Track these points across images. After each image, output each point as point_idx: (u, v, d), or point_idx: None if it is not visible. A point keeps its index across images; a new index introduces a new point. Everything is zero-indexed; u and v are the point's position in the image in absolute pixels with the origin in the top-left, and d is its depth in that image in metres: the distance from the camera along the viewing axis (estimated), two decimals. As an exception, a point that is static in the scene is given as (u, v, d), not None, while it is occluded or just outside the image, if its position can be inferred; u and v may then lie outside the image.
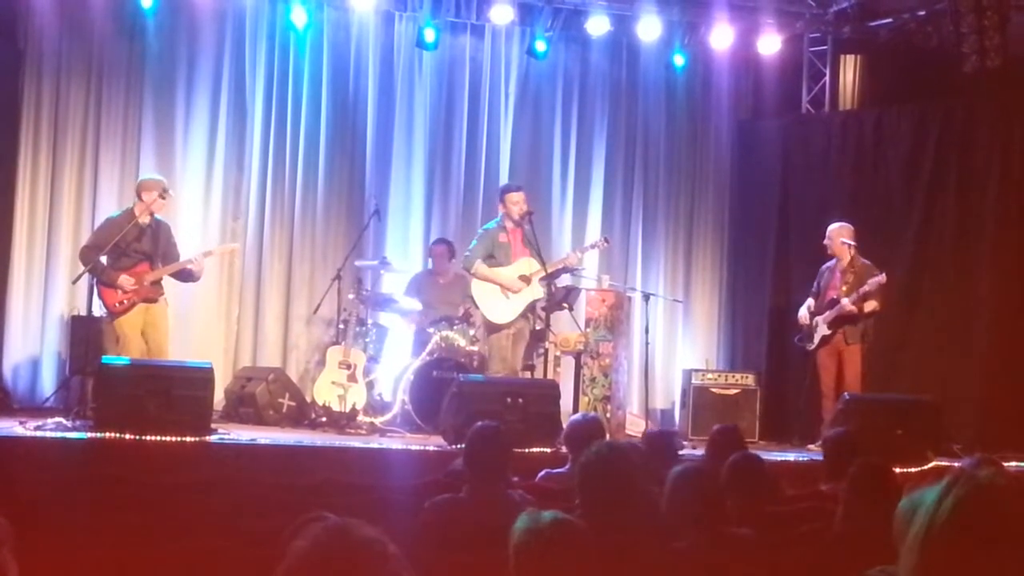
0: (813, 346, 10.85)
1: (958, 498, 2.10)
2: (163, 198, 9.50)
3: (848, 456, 5.61)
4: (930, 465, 8.98)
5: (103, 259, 9.18)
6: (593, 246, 10.96)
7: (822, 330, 10.74)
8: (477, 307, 10.21)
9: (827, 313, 10.69)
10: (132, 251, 9.33)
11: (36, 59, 11.16)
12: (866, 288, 10.46)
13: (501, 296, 9.96)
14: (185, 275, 9.67)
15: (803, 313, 10.94)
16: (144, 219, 9.40)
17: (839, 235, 10.77)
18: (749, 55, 12.79)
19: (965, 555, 2.07)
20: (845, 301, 10.51)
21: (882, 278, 10.43)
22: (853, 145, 12.56)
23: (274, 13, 11.84)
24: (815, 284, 11.04)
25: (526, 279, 9.93)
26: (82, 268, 9.28)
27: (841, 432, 6.87)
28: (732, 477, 5.22)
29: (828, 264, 10.97)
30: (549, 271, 9.93)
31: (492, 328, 10.04)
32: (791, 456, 9.77)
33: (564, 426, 8.20)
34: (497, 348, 9.97)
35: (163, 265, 9.49)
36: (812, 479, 7.13)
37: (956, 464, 8.94)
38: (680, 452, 6.86)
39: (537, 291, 9.99)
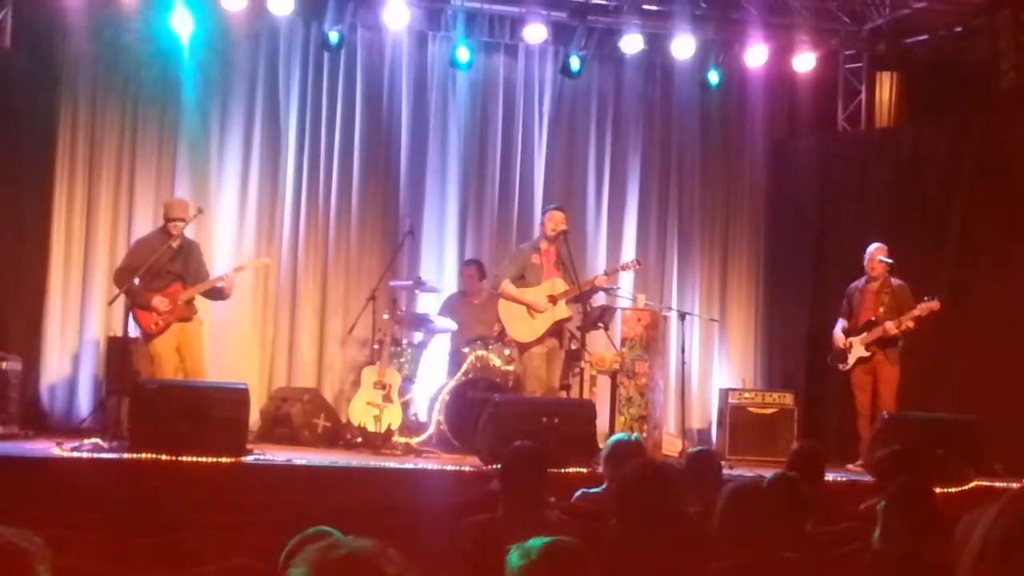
0: (848, 367, 10.77)
1: (1016, 516, 2.05)
2: (187, 218, 9.50)
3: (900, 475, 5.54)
4: (971, 485, 8.88)
5: (136, 281, 9.21)
6: (624, 268, 10.90)
7: (858, 351, 10.65)
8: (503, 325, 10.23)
9: (865, 334, 10.61)
10: (165, 272, 9.37)
11: (72, 82, 11.24)
12: (916, 312, 10.36)
13: (526, 316, 9.94)
14: (215, 293, 9.72)
15: (839, 335, 10.85)
16: (176, 240, 9.43)
17: (877, 253, 10.70)
18: (784, 73, 12.73)
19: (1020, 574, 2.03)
20: (889, 324, 10.42)
21: (935, 304, 10.33)
22: (890, 163, 12.48)
23: (308, 34, 11.90)
24: (845, 304, 10.97)
25: (552, 299, 9.91)
26: (117, 290, 9.32)
27: (894, 451, 6.79)
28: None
29: (856, 284, 10.91)
30: (577, 292, 9.90)
31: (523, 347, 10.03)
32: (829, 476, 9.66)
33: (600, 446, 8.17)
34: (531, 367, 9.95)
35: (194, 284, 9.52)
36: (852, 499, 7.06)
37: (998, 484, 8.89)
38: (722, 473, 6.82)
39: (562, 312, 9.97)
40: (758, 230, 13.26)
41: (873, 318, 10.61)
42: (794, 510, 5.16)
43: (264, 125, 11.78)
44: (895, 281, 10.71)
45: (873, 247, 10.78)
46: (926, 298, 10.42)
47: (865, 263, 10.79)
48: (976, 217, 11.86)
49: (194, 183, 11.44)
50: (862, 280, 10.87)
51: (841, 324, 10.92)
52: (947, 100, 12.52)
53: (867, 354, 10.61)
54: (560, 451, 8.32)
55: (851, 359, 10.72)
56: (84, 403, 10.99)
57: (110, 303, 9.79)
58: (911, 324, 10.42)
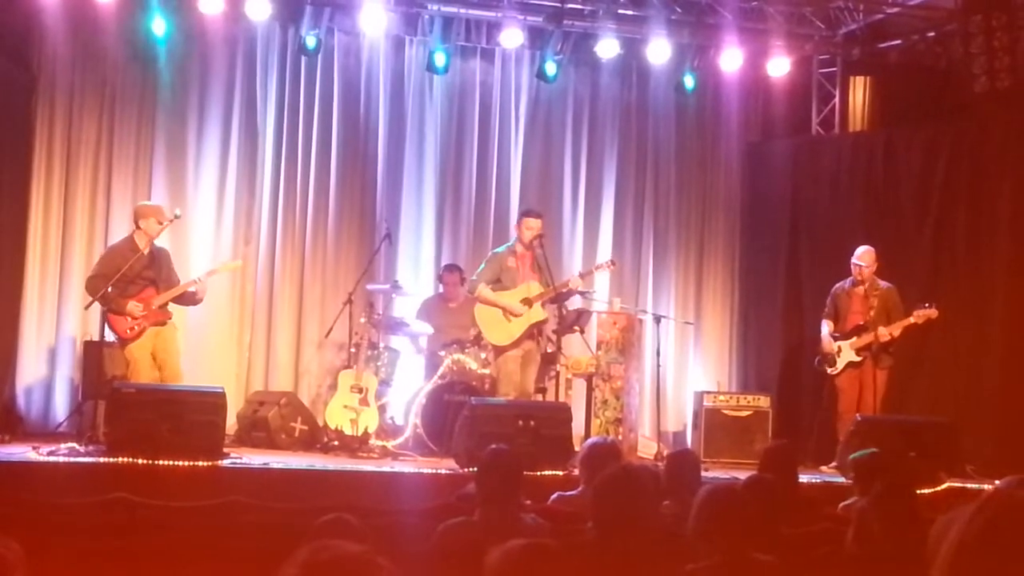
0: (837, 371, 10.79)
1: (991, 516, 2.08)
2: (160, 223, 9.45)
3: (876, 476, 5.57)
4: (944, 486, 8.94)
5: (109, 288, 9.18)
6: (599, 268, 10.90)
7: (848, 355, 10.65)
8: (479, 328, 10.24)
9: (855, 339, 10.62)
10: (139, 278, 9.33)
11: (49, 85, 11.23)
12: (912, 320, 10.41)
13: (502, 319, 9.94)
14: (188, 298, 9.66)
15: (827, 338, 10.86)
16: (147, 247, 9.38)
17: (859, 257, 10.70)
18: (759, 77, 12.78)
19: (994, 573, 2.06)
20: (882, 331, 10.43)
21: (933, 312, 10.38)
22: (863, 166, 12.54)
23: (285, 38, 11.91)
24: (830, 306, 10.98)
25: (527, 302, 9.91)
26: (90, 298, 9.29)
27: (868, 453, 6.83)
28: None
29: (842, 285, 10.92)
30: (552, 295, 9.91)
31: (499, 351, 10.03)
32: (804, 478, 9.68)
33: (576, 449, 8.20)
34: (505, 371, 9.95)
35: (167, 289, 9.49)
36: (826, 501, 7.10)
37: (970, 485, 8.95)
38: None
39: (538, 314, 9.96)
40: (733, 233, 13.30)
41: (862, 322, 10.61)
42: (769, 512, 5.20)
43: (241, 129, 11.77)
44: (883, 284, 10.72)
45: (860, 250, 10.76)
46: (926, 305, 10.44)
47: (852, 266, 10.80)
48: (949, 220, 11.93)
49: (171, 186, 11.43)
50: (848, 282, 10.87)
51: (828, 326, 10.93)
52: (920, 105, 12.61)
53: (858, 359, 10.61)
54: (536, 454, 8.36)
55: (840, 363, 10.73)
56: (60, 407, 10.97)
57: (86, 308, 9.77)
58: (899, 331, 10.47)
